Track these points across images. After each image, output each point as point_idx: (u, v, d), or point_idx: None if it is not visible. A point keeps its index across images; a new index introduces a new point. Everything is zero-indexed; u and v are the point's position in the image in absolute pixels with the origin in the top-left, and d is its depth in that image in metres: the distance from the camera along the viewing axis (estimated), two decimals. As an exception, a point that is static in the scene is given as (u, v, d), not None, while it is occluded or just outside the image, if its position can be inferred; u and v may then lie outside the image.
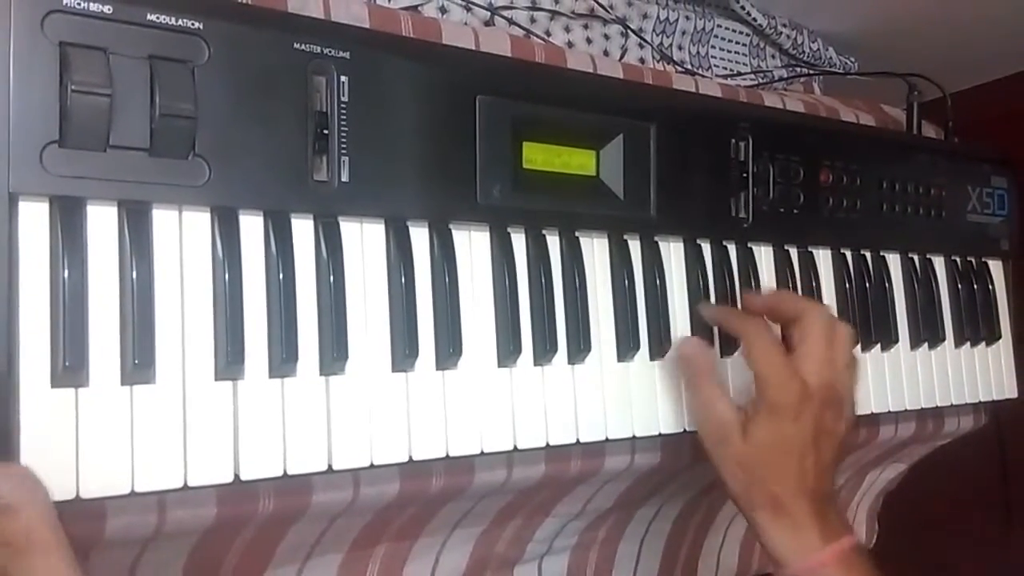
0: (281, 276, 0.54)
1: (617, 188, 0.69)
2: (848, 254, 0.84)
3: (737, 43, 1.06)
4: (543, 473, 0.68)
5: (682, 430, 0.70)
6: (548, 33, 0.88)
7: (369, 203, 0.58)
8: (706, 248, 0.74)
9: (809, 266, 0.80)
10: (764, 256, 0.78)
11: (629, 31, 0.94)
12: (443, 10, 0.80)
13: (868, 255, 0.86)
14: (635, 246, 0.70)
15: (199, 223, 0.52)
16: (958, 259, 0.94)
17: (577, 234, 0.67)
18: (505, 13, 0.84)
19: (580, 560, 0.83)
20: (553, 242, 0.66)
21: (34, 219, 0.47)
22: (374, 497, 0.61)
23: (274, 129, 0.54)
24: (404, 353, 0.58)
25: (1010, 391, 0.96)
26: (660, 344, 0.70)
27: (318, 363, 0.55)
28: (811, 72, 1.10)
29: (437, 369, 0.60)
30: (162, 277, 0.51)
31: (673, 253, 0.73)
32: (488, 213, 0.63)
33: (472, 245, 0.63)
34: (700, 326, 0.73)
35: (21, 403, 0.46)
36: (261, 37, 0.54)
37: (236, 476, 0.52)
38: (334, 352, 0.55)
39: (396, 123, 0.59)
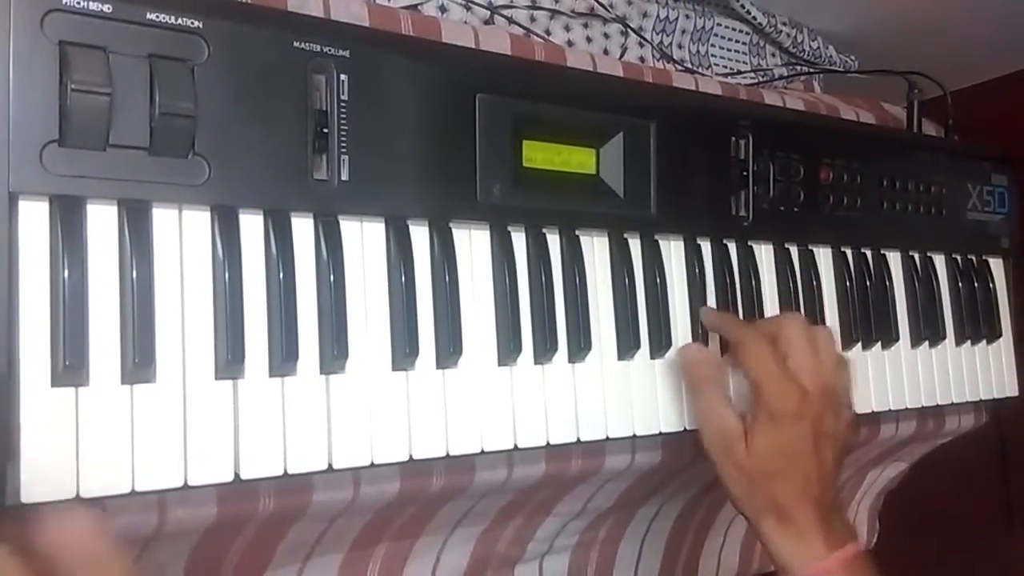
0: (281, 275, 0.54)
1: (617, 186, 0.69)
2: (848, 252, 0.84)
3: (737, 42, 1.06)
4: (544, 472, 0.68)
5: (683, 429, 0.70)
6: (548, 32, 0.88)
7: (369, 202, 0.58)
8: (706, 247, 0.74)
9: (809, 264, 0.80)
10: (764, 254, 0.78)
11: (629, 30, 0.94)
12: (443, 9, 0.80)
13: (868, 253, 0.86)
14: (635, 244, 0.70)
15: (199, 222, 0.52)
16: (959, 257, 0.94)
17: (577, 232, 0.67)
18: (505, 12, 0.84)
19: (581, 559, 0.83)
20: (553, 241, 0.66)
21: (34, 218, 0.47)
22: (374, 496, 0.61)
23: (274, 128, 0.54)
24: (404, 352, 0.58)
25: (1011, 389, 0.96)
26: (660, 343, 0.70)
27: (318, 362, 0.55)
28: (811, 70, 1.10)
29: (437, 368, 0.60)
30: (162, 276, 0.51)
31: (673, 251, 0.73)
32: (488, 212, 0.63)
33: (472, 244, 0.63)
34: (701, 325, 0.73)
35: (21, 402, 0.46)
36: (261, 36, 0.54)
37: (236, 475, 0.52)
38: (334, 351, 0.55)
39: (396, 122, 0.59)
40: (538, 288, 0.64)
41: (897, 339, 0.86)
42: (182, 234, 0.52)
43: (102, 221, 0.49)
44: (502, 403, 0.62)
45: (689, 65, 1.00)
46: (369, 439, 0.56)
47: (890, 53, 1.02)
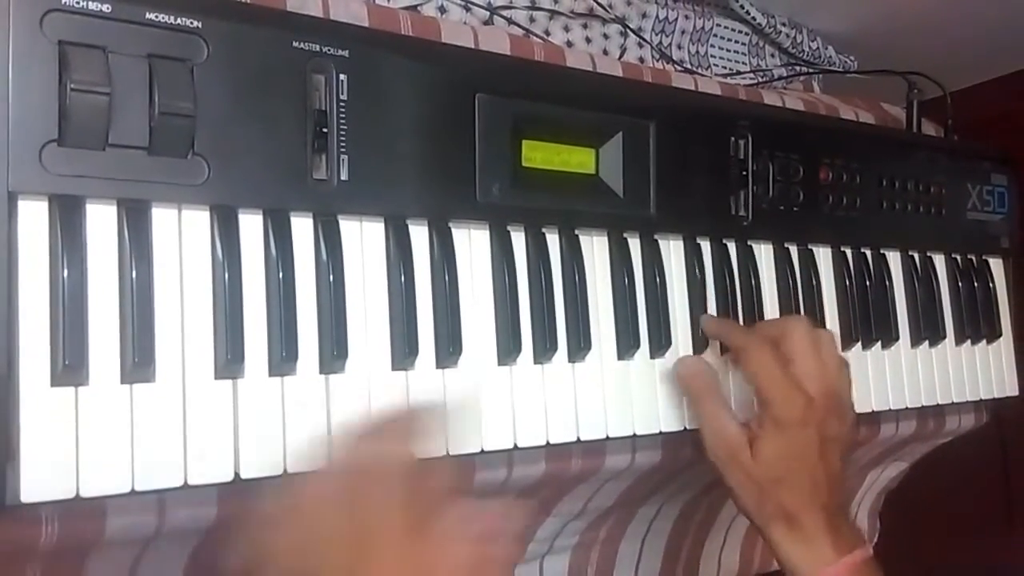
0: (281, 275, 0.54)
1: (617, 186, 0.69)
2: (848, 252, 0.84)
3: (736, 42, 1.06)
4: (543, 472, 0.68)
5: (683, 428, 0.70)
6: (547, 33, 0.88)
7: (368, 201, 0.58)
8: (706, 246, 0.74)
9: (809, 264, 0.80)
10: (764, 254, 0.78)
11: (628, 30, 0.94)
12: (442, 10, 0.80)
13: (868, 253, 0.86)
14: (635, 244, 0.70)
15: (198, 222, 0.52)
16: (958, 257, 0.94)
17: (577, 232, 0.67)
18: (504, 13, 0.84)
19: (581, 560, 0.83)
20: (553, 240, 0.66)
21: (33, 218, 0.47)
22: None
23: (273, 128, 0.54)
24: (404, 351, 0.58)
25: (1011, 389, 0.96)
26: (660, 342, 0.70)
27: (318, 362, 0.55)
28: (811, 71, 1.10)
29: (437, 367, 0.60)
30: (161, 276, 0.51)
31: (673, 251, 0.73)
32: (488, 211, 0.63)
33: (472, 243, 0.63)
34: (700, 326, 0.73)
35: (21, 402, 0.46)
36: (260, 36, 0.54)
37: (236, 475, 0.52)
38: (334, 351, 0.55)
39: (395, 121, 0.59)
40: (538, 288, 0.64)
41: (897, 339, 0.86)
42: (181, 234, 0.52)
43: (101, 221, 0.49)
44: (502, 402, 0.62)
45: (688, 66, 1.00)
46: (369, 439, 0.56)
47: (889, 53, 1.02)
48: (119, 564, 0.56)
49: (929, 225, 0.91)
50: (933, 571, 1.27)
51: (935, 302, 0.90)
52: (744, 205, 0.77)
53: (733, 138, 0.76)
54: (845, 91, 1.07)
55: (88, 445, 0.47)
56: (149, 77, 0.50)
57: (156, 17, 0.50)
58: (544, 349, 0.64)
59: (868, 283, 0.85)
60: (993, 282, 0.96)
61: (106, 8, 0.49)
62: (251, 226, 0.54)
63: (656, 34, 0.97)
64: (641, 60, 0.95)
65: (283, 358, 0.53)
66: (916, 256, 0.90)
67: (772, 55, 1.09)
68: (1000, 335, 0.96)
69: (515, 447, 0.62)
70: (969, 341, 0.93)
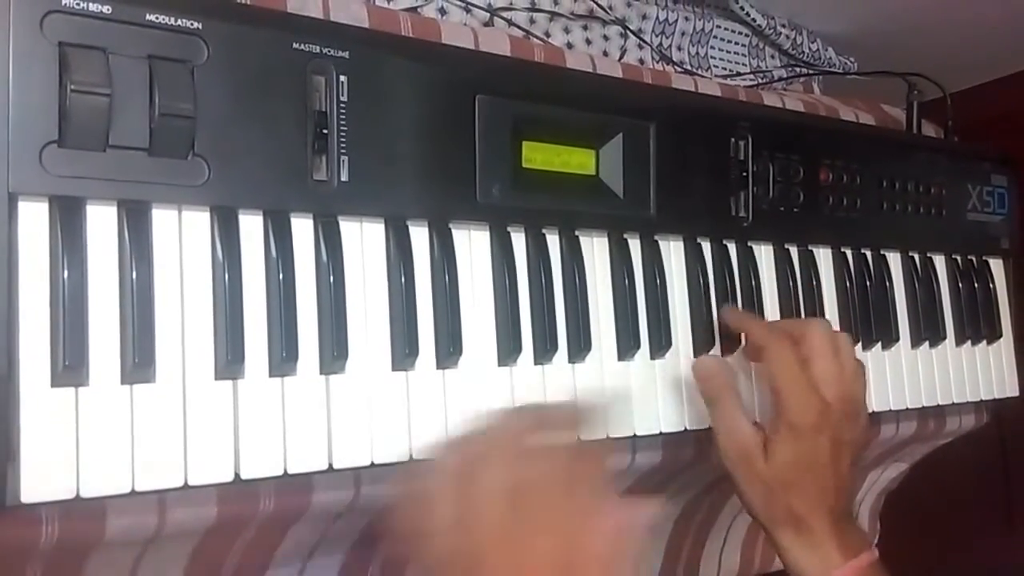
0: (281, 276, 0.54)
1: (617, 187, 0.69)
2: (848, 253, 0.84)
3: (736, 43, 1.06)
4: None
5: (683, 429, 0.70)
6: (547, 34, 0.88)
7: (369, 202, 0.58)
8: (706, 247, 0.74)
9: (809, 265, 0.80)
10: (764, 255, 0.78)
11: (628, 32, 0.94)
12: (442, 11, 0.80)
13: (868, 254, 0.86)
14: (635, 245, 0.70)
15: (199, 223, 0.52)
16: (958, 258, 0.94)
17: (577, 233, 0.67)
18: (504, 14, 0.84)
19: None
20: (553, 241, 0.66)
21: (34, 219, 0.48)
22: (375, 496, 0.61)
23: (273, 129, 0.54)
24: (404, 352, 0.58)
25: (1011, 389, 0.96)
26: (660, 343, 0.70)
27: (318, 362, 0.55)
28: (810, 72, 1.10)
29: (437, 368, 0.60)
30: (162, 276, 0.51)
31: (673, 252, 0.73)
32: (488, 212, 0.63)
33: (472, 244, 0.63)
34: (701, 325, 0.73)
35: (21, 402, 0.46)
36: (260, 37, 0.54)
37: (236, 475, 0.52)
38: (334, 351, 0.55)
39: (395, 123, 0.59)
40: (538, 288, 0.64)
41: (897, 339, 0.86)
42: (182, 235, 0.52)
43: (102, 222, 0.49)
44: (503, 403, 0.62)
45: (688, 67, 1.00)
46: (369, 439, 0.56)
47: (889, 55, 1.02)
48: (119, 564, 0.56)
49: (929, 226, 0.91)
50: (933, 572, 1.26)
51: (935, 303, 0.90)
52: (744, 206, 0.77)
53: (733, 139, 0.76)
54: (845, 92, 1.07)
55: (88, 445, 0.47)
56: (149, 78, 0.50)
57: (156, 18, 0.50)
58: (544, 350, 0.64)
59: (868, 284, 0.85)
60: (993, 283, 0.96)
61: (106, 9, 0.49)
62: (251, 227, 0.54)
63: (656, 35, 0.98)
64: (641, 61, 0.95)
65: (283, 359, 0.53)
66: (916, 257, 0.90)
67: (772, 56, 1.09)
68: (1000, 336, 0.96)
69: (515, 448, 0.62)
70: (969, 342, 0.93)
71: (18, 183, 0.47)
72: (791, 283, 0.79)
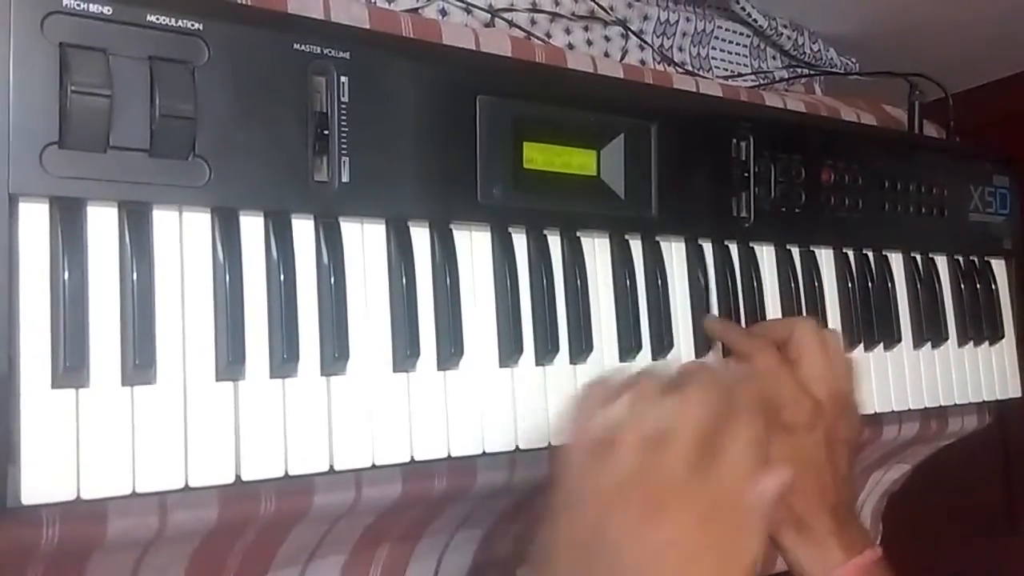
0: (282, 277, 0.54)
1: (618, 188, 0.69)
2: (850, 254, 0.84)
3: (738, 44, 1.06)
4: (546, 474, 0.68)
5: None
6: (548, 35, 0.88)
7: (370, 203, 0.58)
8: (707, 248, 0.74)
9: (811, 266, 0.80)
10: (766, 256, 0.78)
11: (629, 33, 0.94)
12: (443, 12, 0.80)
13: (870, 255, 0.86)
14: (636, 246, 0.70)
15: (199, 224, 0.52)
16: (961, 258, 0.94)
17: (578, 234, 0.67)
18: (505, 15, 0.84)
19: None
20: (554, 242, 0.65)
21: (34, 220, 0.47)
22: (376, 498, 0.61)
23: (274, 130, 0.54)
24: (405, 353, 0.58)
25: (1014, 390, 0.96)
26: (662, 344, 0.70)
27: (319, 363, 0.55)
28: (812, 72, 1.10)
29: (439, 369, 0.60)
30: (162, 278, 0.51)
31: (675, 253, 0.73)
32: (489, 213, 0.63)
33: (473, 245, 0.63)
34: (702, 328, 0.73)
35: (22, 404, 0.46)
36: (261, 38, 0.54)
37: (237, 477, 0.52)
38: (335, 352, 0.55)
39: (396, 123, 0.59)
40: (539, 289, 0.64)
41: (899, 340, 0.86)
42: (182, 236, 0.52)
43: (102, 223, 0.49)
44: (504, 404, 0.62)
45: (690, 68, 1.00)
46: (370, 440, 0.56)
47: (891, 55, 1.02)
48: (120, 566, 0.56)
49: (931, 226, 0.91)
50: (936, 573, 1.26)
51: (937, 303, 0.90)
52: (746, 206, 0.76)
53: (735, 140, 0.76)
54: (847, 93, 1.07)
55: (89, 447, 0.47)
56: (150, 79, 0.50)
57: (157, 19, 0.50)
58: (546, 351, 0.64)
59: (870, 284, 0.84)
60: (995, 283, 0.96)
61: (107, 10, 0.49)
62: (252, 228, 0.54)
63: (657, 36, 0.97)
64: (642, 62, 0.95)
65: (284, 360, 0.53)
66: (918, 257, 0.90)
67: (773, 57, 1.09)
68: (1003, 336, 0.96)
69: (517, 449, 0.62)
70: (972, 342, 0.93)
71: (18, 184, 0.47)
72: (793, 284, 0.78)
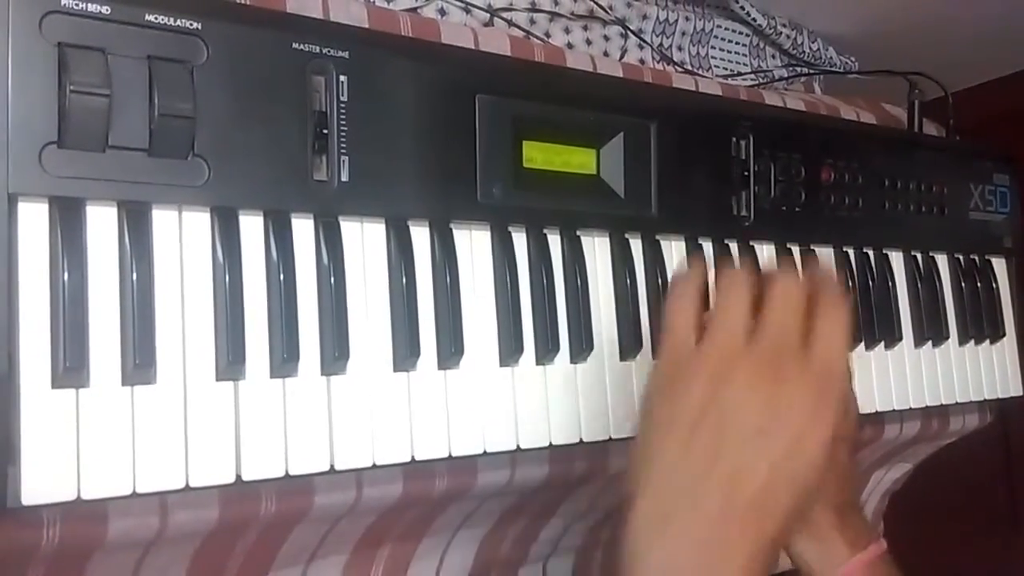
0: (281, 276, 0.54)
1: (618, 187, 0.69)
2: (851, 252, 0.84)
3: (737, 43, 1.06)
4: (547, 474, 0.68)
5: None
6: (547, 34, 0.88)
7: (369, 202, 0.58)
8: (707, 247, 0.74)
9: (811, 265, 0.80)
10: (766, 254, 0.78)
11: (629, 32, 0.94)
12: (442, 12, 0.80)
13: (871, 253, 0.86)
14: (636, 245, 0.70)
15: (199, 223, 0.52)
16: (961, 257, 0.94)
17: (578, 233, 0.67)
18: (504, 15, 0.84)
19: (586, 561, 0.83)
20: (554, 241, 0.65)
21: (33, 220, 0.47)
22: (377, 498, 0.61)
23: (273, 129, 0.54)
24: (406, 353, 0.58)
25: (1015, 389, 0.96)
26: (663, 343, 0.70)
27: (319, 363, 0.55)
28: (811, 71, 1.10)
29: (439, 369, 0.60)
30: (162, 277, 0.51)
31: (675, 251, 0.73)
32: (489, 212, 0.63)
33: (473, 244, 0.63)
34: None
35: (22, 404, 0.46)
36: (260, 37, 0.54)
37: (238, 476, 0.52)
38: (335, 352, 0.55)
39: (396, 122, 0.59)
40: (539, 289, 0.64)
41: (900, 339, 0.86)
42: (182, 235, 0.52)
43: (102, 222, 0.49)
44: (504, 404, 0.62)
45: (689, 67, 1.00)
46: (371, 440, 0.56)
47: (890, 54, 1.02)
48: (121, 566, 0.56)
49: (931, 225, 0.91)
50: (938, 572, 1.26)
51: (938, 302, 0.90)
52: (746, 205, 0.76)
53: (734, 138, 0.76)
54: (846, 92, 1.07)
55: (89, 447, 0.47)
56: (149, 79, 0.50)
57: (155, 19, 0.50)
58: (546, 350, 0.64)
59: (871, 283, 0.84)
60: (996, 282, 0.96)
61: (105, 10, 0.49)
62: (252, 227, 0.54)
63: (657, 35, 0.97)
64: (642, 62, 0.95)
65: (284, 359, 0.53)
66: (919, 256, 0.90)
67: (773, 56, 1.09)
68: (1003, 335, 0.95)
69: (518, 448, 0.62)
70: (972, 341, 0.93)
71: (18, 184, 0.46)
72: (793, 283, 0.78)
